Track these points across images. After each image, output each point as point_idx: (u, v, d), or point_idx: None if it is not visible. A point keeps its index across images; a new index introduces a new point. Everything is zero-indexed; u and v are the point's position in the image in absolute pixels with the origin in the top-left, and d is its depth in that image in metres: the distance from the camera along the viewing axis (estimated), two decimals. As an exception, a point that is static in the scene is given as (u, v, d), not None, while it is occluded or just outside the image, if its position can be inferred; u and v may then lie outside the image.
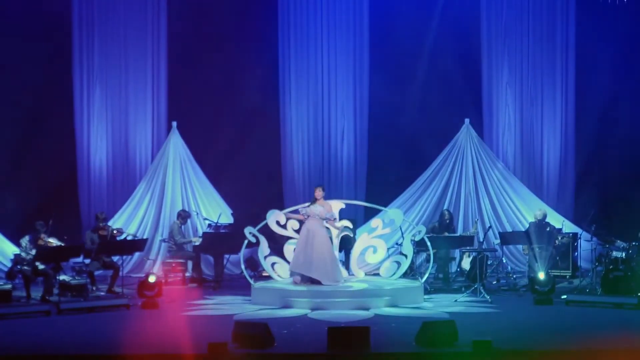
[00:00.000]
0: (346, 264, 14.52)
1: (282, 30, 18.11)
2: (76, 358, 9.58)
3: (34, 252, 13.44)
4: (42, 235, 13.66)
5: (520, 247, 15.99)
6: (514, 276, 15.10)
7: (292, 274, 13.42)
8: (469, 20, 18.15)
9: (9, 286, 13.36)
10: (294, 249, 13.55)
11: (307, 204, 13.63)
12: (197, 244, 15.51)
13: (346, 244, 14.50)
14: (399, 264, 13.81)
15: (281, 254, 13.95)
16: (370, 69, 18.17)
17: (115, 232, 14.65)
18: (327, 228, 13.64)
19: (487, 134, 18.09)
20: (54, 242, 13.70)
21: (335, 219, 13.77)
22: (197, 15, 17.90)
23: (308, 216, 13.42)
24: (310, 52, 18.08)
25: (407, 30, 18.00)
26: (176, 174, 17.12)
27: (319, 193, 13.60)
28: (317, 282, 13.12)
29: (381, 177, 17.89)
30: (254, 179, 17.63)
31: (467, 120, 17.42)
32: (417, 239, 13.92)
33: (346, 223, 14.27)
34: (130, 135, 17.85)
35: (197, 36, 17.94)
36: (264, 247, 13.72)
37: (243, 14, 17.95)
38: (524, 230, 15.40)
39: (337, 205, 14.13)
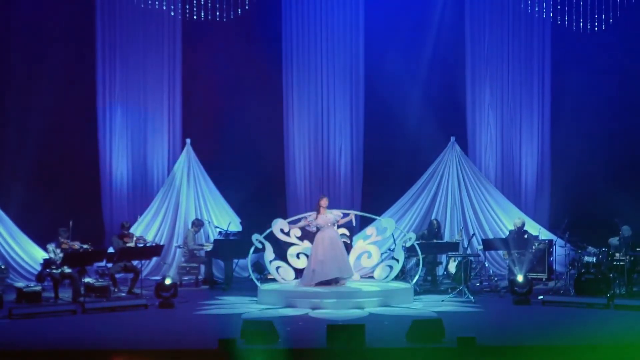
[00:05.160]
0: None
1: (286, 58, 18.09)
2: (99, 353, 9.61)
3: (61, 255, 13.49)
4: (66, 240, 13.68)
5: (501, 252, 16.00)
6: (496, 279, 15.10)
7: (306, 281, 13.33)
8: (454, 50, 18.16)
9: (38, 288, 13.42)
10: (296, 256, 13.54)
11: (312, 213, 13.65)
12: (208, 249, 15.55)
13: (344, 250, 14.53)
14: (391, 267, 13.84)
15: (285, 259, 13.98)
16: (365, 94, 18.18)
17: (139, 240, 14.75)
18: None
19: (471, 151, 18.11)
20: (76, 245, 13.73)
21: (341, 217, 13.76)
22: (209, 44, 17.94)
23: (318, 228, 13.41)
24: (311, 78, 18.07)
25: (399, 59, 18.01)
26: (190, 186, 17.14)
27: (324, 202, 13.59)
28: (331, 283, 13.11)
29: (375, 190, 17.89)
30: (261, 191, 17.60)
31: (452, 138, 17.48)
32: (407, 245, 13.96)
33: (343, 231, 14.35)
34: (148, 151, 17.86)
35: (209, 62, 18.00)
36: (269, 253, 13.74)
37: (250, 44, 17.98)
38: (504, 237, 15.43)
39: (335, 214, 14.14)
